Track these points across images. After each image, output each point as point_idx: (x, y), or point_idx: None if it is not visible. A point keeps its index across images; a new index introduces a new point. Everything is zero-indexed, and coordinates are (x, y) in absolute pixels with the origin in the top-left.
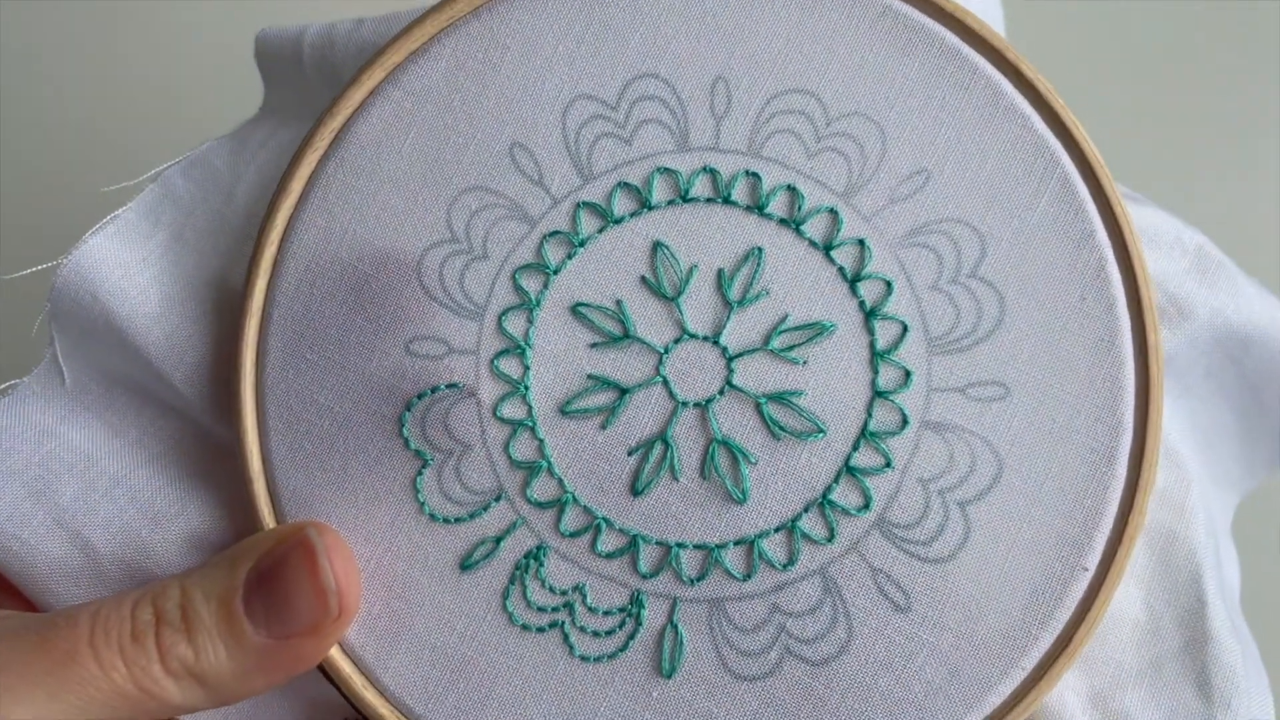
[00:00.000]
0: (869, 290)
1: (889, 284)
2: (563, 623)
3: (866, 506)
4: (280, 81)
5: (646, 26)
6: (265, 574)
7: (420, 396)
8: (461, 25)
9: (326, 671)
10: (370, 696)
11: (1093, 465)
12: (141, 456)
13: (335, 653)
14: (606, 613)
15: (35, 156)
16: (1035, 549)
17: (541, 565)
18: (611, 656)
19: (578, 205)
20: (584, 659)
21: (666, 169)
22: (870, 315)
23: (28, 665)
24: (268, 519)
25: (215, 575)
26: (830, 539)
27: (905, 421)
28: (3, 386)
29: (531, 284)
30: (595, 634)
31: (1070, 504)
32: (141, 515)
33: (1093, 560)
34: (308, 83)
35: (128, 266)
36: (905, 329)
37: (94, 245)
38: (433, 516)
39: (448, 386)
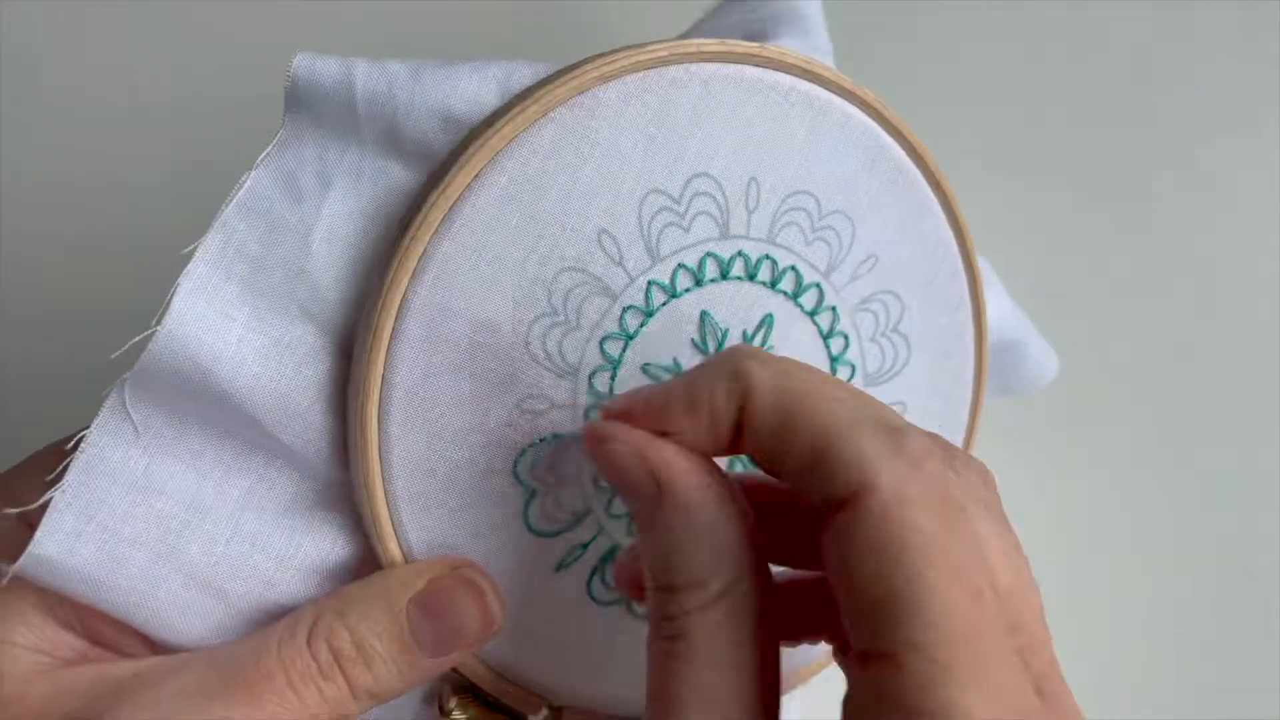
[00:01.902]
0: (835, 344)
1: (847, 338)
2: (628, 599)
3: None
4: (318, 115)
5: (703, 132)
6: (431, 607)
7: (532, 445)
8: (556, 115)
9: None
10: (483, 670)
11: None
12: (235, 498)
13: None
14: None
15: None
16: None
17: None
18: None
19: (649, 283)
20: (645, 619)
21: (713, 254)
22: (834, 361)
23: (234, 700)
24: (396, 554)
25: (377, 612)
26: None
27: None
28: (72, 442)
29: (614, 348)
30: None
31: None
32: (265, 557)
33: None
34: (358, 122)
35: (215, 326)
36: (854, 369)
37: (180, 308)
38: (538, 533)
39: (554, 436)
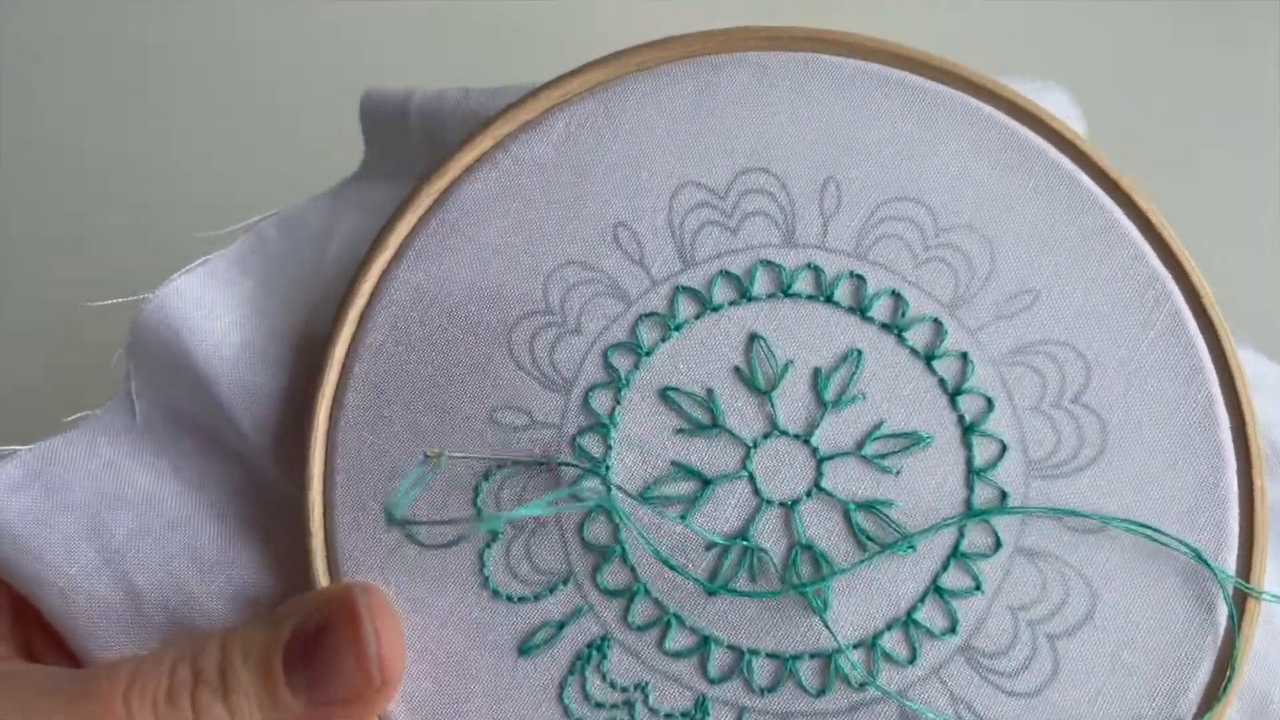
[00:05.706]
0: (969, 405)
1: (990, 400)
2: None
3: (953, 630)
4: (382, 141)
5: (758, 121)
6: (308, 638)
7: (500, 467)
8: (576, 102)
9: None
10: None
11: (1191, 611)
12: (200, 501)
13: None
14: (668, 715)
15: (130, 197)
16: (1123, 695)
17: (604, 657)
18: None
19: (677, 289)
20: None
21: (770, 262)
22: (969, 431)
23: (58, 699)
24: (321, 577)
25: (257, 635)
26: (912, 661)
27: (999, 544)
28: (75, 417)
29: (622, 363)
30: None
31: (1164, 651)
32: (191, 562)
33: (1188, 716)
34: (411, 145)
35: (212, 308)
36: (1004, 448)
37: (180, 285)
38: (495, 593)
39: (536, 462)
